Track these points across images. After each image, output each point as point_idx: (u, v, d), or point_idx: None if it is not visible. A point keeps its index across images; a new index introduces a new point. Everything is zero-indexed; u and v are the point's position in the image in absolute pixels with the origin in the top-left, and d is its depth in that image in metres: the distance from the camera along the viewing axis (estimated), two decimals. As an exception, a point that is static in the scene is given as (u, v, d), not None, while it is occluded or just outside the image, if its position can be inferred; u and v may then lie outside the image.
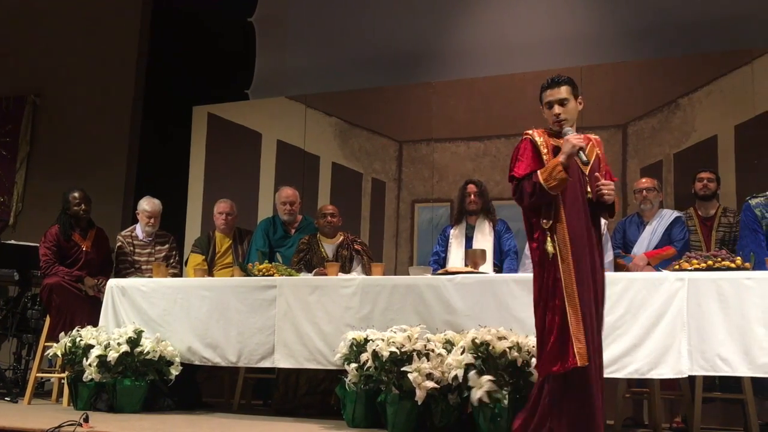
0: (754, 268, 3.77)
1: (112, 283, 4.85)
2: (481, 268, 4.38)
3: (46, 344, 5.01)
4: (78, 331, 4.62)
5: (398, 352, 3.71)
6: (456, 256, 4.97)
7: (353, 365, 3.86)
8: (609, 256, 4.55)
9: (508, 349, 3.52)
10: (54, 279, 5.12)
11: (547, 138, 3.19)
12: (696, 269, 3.77)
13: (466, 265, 4.55)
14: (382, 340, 3.78)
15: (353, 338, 3.92)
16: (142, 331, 4.52)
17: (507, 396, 3.49)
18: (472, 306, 3.96)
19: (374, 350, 3.76)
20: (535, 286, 3.18)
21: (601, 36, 6.22)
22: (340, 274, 4.55)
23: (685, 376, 3.63)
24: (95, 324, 4.74)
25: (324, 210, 5.30)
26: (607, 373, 3.38)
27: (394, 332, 3.82)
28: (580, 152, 3.05)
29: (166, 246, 5.55)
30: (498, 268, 4.87)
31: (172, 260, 5.52)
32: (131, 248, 5.47)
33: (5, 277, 5.90)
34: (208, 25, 7.34)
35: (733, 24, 5.83)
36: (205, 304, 4.55)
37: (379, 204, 6.53)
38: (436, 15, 6.74)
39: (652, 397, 4.14)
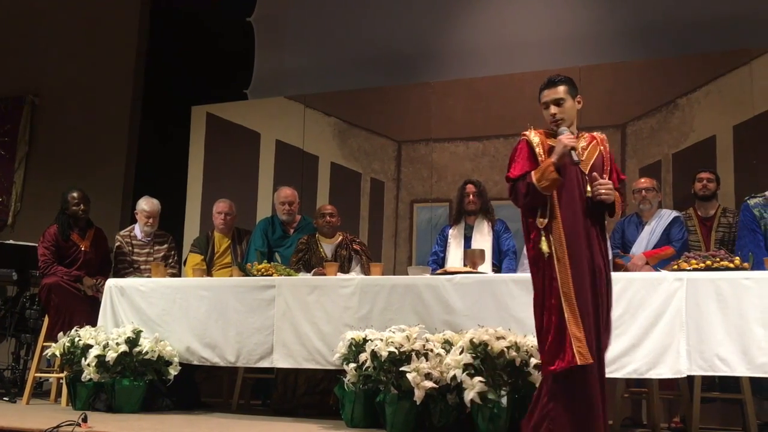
0: (752, 268, 3.78)
1: (111, 282, 4.85)
2: (480, 268, 4.38)
3: (44, 344, 5.00)
4: (76, 331, 4.61)
5: (397, 352, 3.71)
6: (455, 256, 4.97)
7: (352, 365, 3.86)
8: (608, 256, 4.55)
9: (506, 349, 3.53)
10: (52, 279, 5.11)
11: (545, 138, 3.20)
12: (694, 269, 3.77)
13: (464, 265, 4.55)
14: (381, 340, 3.78)
15: (352, 338, 3.92)
16: (140, 331, 4.51)
17: (506, 396, 3.49)
18: (471, 306, 3.96)
19: (373, 350, 3.76)
20: (533, 286, 3.19)
21: (599, 36, 6.23)
22: (338, 274, 4.55)
23: (684, 376, 3.63)
24: (94, 324, 4.74)
25: (323, 210, 5.29)
26: (606, 373, 3.37)
27: (393, 332, 3.82)
28: (572, 152, 3.05)
29: (165, 246, 5.55)
30: (497, 268, 4.87)
31: (170, 260, 5.52)
32: (130, 248, 5.46)
33: (4, 277, 5.89)
34: (207, 25, 7.34)
35: (732, 24, 5.83)
36: (204, 304, 4.55)
37: (378, 204, 6.53)
38: (435, 15, 6.74)
39: (650, 397, 4.14)
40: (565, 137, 3.08)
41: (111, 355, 4.35)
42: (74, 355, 4.50)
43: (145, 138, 7.59)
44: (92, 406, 4.41)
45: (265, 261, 4.84)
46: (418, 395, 3.59)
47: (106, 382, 4.38)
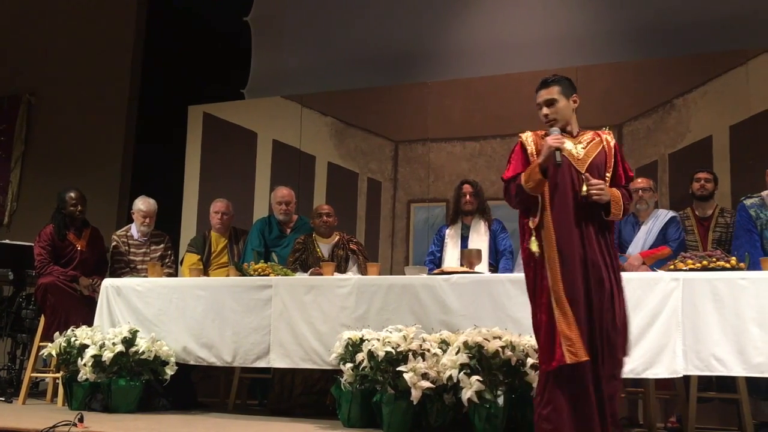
0: (748, 269, 3.79)
1: (107, 282, 4.85)
2: (477, 268, 4.39)
3: (40, 344, 4.99)
4: (73, 330, 4.60)
5: (394, 352, 3.71)
6: (451, 256, 4.97)
7: (349, 365, 3.86)
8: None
9: (501, 349, 3.53)
10: (49, 279, 5.10)
11: (539, 139, 3.22)
12: (691, 269, 3.78)
13: (461, 265, 4.55)
14: (378, 339, 3.79)
15: (349, 338, 3.92)
16: (137, 331, 4.51)
17: (502, 395, 3.49)
18: (468, 306, 3.97)
19: (370, 350, 3.76)
20: (526, 286, 3.22)
21: (596, 36, 6.23)
22: (335, 273, 4.55)
23: (680, 376, 3.64)
24: (90, 324, 4.73)
25: (320, 210, 5.29)
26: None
27: (390, 332, 3.82)
28: (556, 153, 3.07)
29: (162, 245, 5.54)
30: (493, 268, 4.88)
31: (167, 260, 5.51)
32: (126, 248, 5.46)
33: (0, 277, 5.88)
34: (204, 24, 7.33)
35: (728, 25, 5.84)
36: (201, 303, 4.54)
37: (375, 204, 6.53)
38: (431, 15, 6.75)
39: (647, 397, 4.15)
40: (551, 138, 3.10)
41: (107, 355, 4.34)
42: (70, 355, 4.49)
43: (141, 137, 7.58)
44: (88, 406, 4.40)
45: (262, 261, 4.84)
46: (415, 395, 3.59)
47: (103, 382, 4.37)
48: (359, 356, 3.81)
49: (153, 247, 5.51)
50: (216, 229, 5.64)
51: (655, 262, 4.50)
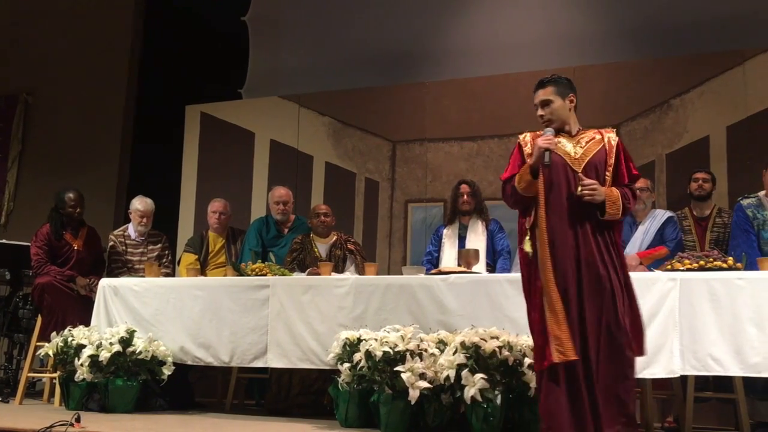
0: (745, 269, 3.79)
1: (104, 282, 4.84)
2: (474, 268, 4.39)
3: (37, 344, 4.98)
4: (70, 330, 4.60)
5: (391, 352, 3.71)
6: (449, 256, 4.97)
7: (346, 365, 3.86)
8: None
9: (498, 349, 3.53)
10: (45, 278, 5.09)
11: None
12: (688, 269, 3.78)
13: (459, 265, 4.55)
14: (375, 339, 3.79)
15: (346, 338, 3.92)
16: (134, 331, 4.50)
17: (500, 395, 3.50)
18: (465, 306, 3.97)
19: (367, 350, 3.76)
20: (522, 286, 3.24)
21: (593, 36, 6.24)
22: (333, 273, 4.54)
23: (677, 375, 3.64)
24: (87, 324, 4.72)
25: (317, 210, 5.29)
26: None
27: (387, 332, 3.82)
28: (546, 154, 3.07)
29: (159, 245, 5.54)
30: (491, 267, 4.88)
31: (164, 260, 5.51)
32: (123, 248, 5.45)
33: (-4, 277, 5.88)
34: (202, 24, 7.32)
35: (726, 25, 5.85)
36: (198, 303, 4.54)
37: (373, 204, 6.53)
38: (429, 15, 6.74)
39: (644, 397, 4.14)
40: (541, 139, 3.12)
41: (104, 355, 4.34)
42: (67, 355, 4.48)
43: (139, 137, 7.57)
44: (85, 406, 4.40)
45: (260, 261, 4.84)
46: (413, 395, 3.59)
47: (100, 382, 4.37)
48: (357, 356, 3.81)
49: (150, 247, 5.50)
50: (213, 228, 5.64)
51: (653, 262, 4.50)
